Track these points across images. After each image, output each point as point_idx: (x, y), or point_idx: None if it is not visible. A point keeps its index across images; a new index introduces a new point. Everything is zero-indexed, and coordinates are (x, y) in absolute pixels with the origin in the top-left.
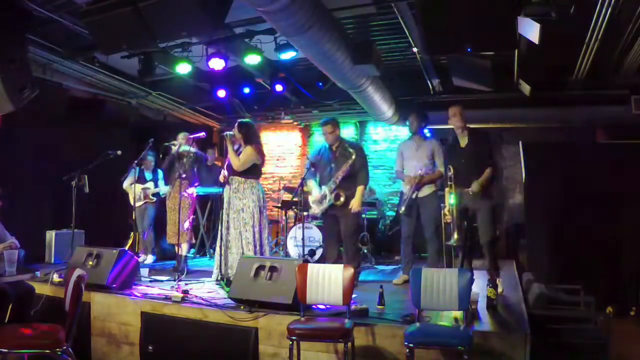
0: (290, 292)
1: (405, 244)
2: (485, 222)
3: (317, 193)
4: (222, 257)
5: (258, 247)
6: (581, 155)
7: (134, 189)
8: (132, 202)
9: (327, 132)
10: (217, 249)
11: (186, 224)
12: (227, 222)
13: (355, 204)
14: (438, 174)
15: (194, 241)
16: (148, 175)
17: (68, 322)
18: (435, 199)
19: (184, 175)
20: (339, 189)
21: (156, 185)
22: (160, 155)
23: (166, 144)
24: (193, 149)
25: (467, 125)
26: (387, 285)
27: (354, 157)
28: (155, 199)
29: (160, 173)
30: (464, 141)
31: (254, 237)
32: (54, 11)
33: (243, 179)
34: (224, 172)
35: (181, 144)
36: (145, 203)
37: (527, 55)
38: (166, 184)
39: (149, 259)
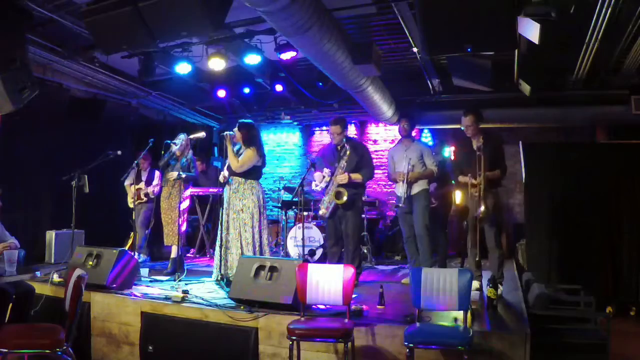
0: (290, 292)
1: (408, 243)
2: (491, 225)
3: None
4: (222, 257)
5: (258, 248)
6: (581, 155)
7: (133, 190)
8: (129, 202)
9: (335, 132)
10: (217, 249)
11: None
12: (227, 222)
13: (342, 177)
14: (429, 172)
15: (182, 242)
16: (143, 175)
17: (68, 322)
18: (426, 197)
19: (183, 176)
20: (340, 187)
21: (148, 185)
22: (162, 151)
23: (168, 141)
24: (190, 155)
25: (481, 127)
26: (387, 285)
27: (348, 152)
28: (146, 198)
29: (155, 173)
30: (476, 143)
31: (253, 237)
32: (54, 11)
33: (243, 179)
34: (224, 173)
35: (182, 144)
36: (139, 203)
37: (527, 55)
38: (160, 182)
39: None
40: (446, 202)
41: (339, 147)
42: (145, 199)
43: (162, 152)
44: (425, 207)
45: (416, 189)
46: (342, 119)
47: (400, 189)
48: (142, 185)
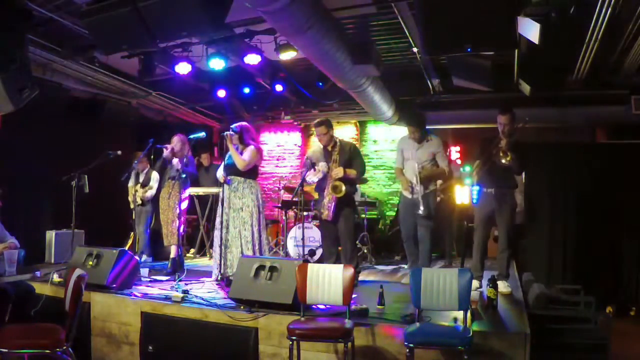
0: (290, 292)
1: (408, 243)
2: (506, 225)
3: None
4: (222, 257)
5: (257, 247)
6: (581, 155)
7: (132, 191)
8: (130, 203)
9: (321, 133)
10: (216, 248)
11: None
12: (227, 221)
13: (338, 170)
14: (441, 171)
15: (182, 242)
16: (141, 176)
17: (68, 322)
18: (433, 197)
19: (183, 176)
20: (336, 181)
21: (145, 186)
22: (152, 157)
23: (159, 145)
24: (189, 155)
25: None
26: (387, 285)
27: (338, 147)
28: (141, 202)
29: (154, 174)
30: (506, 141)
31: (252, 236)
32: (54, 11)
33: (243, 178)
34: (223, 173)
35: (174, 147)
36: (138, 206)
37: (527, 55)
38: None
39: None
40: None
41: (329, 148)
42: (140, 202)
43: (152, 157)
44: (432, 209)
45: (427, 188)
46: (325, 119)
47: (406, 192)
48: (138, 187)
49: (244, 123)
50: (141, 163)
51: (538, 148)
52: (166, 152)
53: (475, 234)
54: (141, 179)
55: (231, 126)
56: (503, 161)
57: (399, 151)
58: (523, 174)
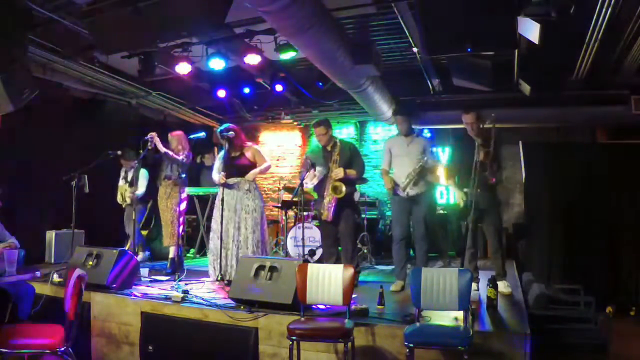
0: (290, 292)
1: (400, 245)
2: (494, 225)
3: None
4: (233, 257)
5: (267, 246)
6: (581, 155)
7: (124, 190)
8: (124, 203)
9: (320, 134)
10: (217, 249)
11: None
12: (237, 222)
13: (338, 171)
14: (433, 166)
15: (180, 242)
16: (129, 174)
17: (68, 322)
18: (430, 197)
19: (183, 176)
20: (336, 182)
21: (133, 185)
22: (141, 150)
23: (146, 137)
24: (175, 155)
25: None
26: (387, 286)
27: (338, 148)
28: (129, 200)
29: (142, 172)
30: (479, 140)
31: (262, 236)
32: (54, 11)
33: (252, 180)
34: (223, 174)
35: (175, 142)
36: (127, 205)
37: (527, 55)
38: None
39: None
40: None
41: (328, 148)
42: (128, 200)
43: (141, 150)
44: (432, 208)
45: (422, 187)
46: (324, 119)
47: (402, 180)
48: (126, 186)
49: (232, 125)
50: (130, 161)
51: (538, 148)
52: (150, 143)
53: (468, 235)
54: (129, 177)
55: (222, 129)
56: (486, 173)
57: (386, 152)
58: (523, 173)
